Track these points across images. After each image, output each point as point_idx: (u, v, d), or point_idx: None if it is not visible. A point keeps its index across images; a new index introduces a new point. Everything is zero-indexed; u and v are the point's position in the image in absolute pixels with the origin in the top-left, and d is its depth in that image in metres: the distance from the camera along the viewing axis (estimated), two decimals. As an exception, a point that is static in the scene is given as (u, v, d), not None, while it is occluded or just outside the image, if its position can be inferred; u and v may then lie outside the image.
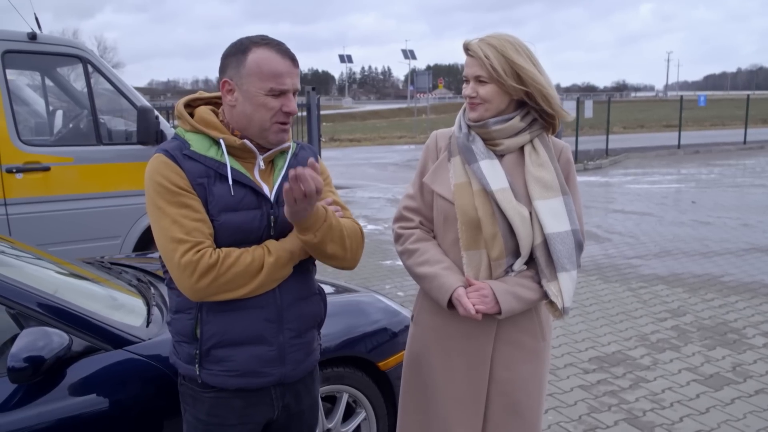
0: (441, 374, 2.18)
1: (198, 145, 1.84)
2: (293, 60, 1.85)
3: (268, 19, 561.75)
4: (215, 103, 1.97)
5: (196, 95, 1.99)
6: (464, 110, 2.18)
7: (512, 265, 2.10)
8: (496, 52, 2.01)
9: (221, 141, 1.84)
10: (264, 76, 1.80)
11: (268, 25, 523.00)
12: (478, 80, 2.05)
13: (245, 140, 1.85)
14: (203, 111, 1.91)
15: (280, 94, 1.82)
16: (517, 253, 2.09)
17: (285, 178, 1.92)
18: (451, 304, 2.05)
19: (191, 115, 1.92)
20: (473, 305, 2.00)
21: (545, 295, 2.08)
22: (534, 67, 2.04)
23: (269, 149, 1.92)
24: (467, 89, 2.09)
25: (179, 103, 1.94)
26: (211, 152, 1.84)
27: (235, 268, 1.77)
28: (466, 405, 2.15)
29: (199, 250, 1.74)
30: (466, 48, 2.08)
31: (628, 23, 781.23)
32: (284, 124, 1.87)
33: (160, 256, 1.91)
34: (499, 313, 2.03)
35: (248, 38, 1.85)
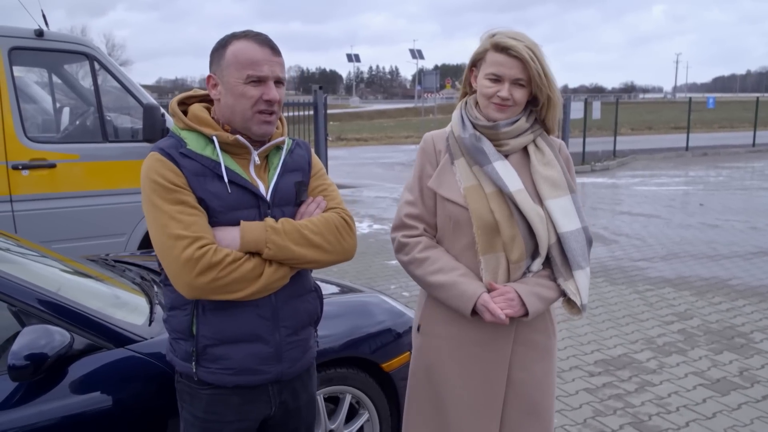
0: (455, 384, 2.12)
1: (194, 143, 1.85)
2: (273, 49, 1.86)
3: (279, 18, 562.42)
4: (210, 100, 1.97)
5: (191, 93, 2.00)
6: (463, 108, 2.14)
7: (530, 266, 2.08)
8: (536, 57, 1.97)
9: (214, 138, 1.85)
10: (240, 64, 1.82)
11: (279, 24, 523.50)
12: (518, 83, 2.00)
13: (238, 136, 1.85)
14: (196, 108, 1.92)
15: (259, 82, 1.83)
16: (534, 254, 2.07)
17: (281, 175, 1.94)
18: (473, 311, 2.01)
19: (185, 112, 1.92)
20: (501, 310, 1.97)
21: (563, 294, 2.07)
22: (552, 75, 2.03)
23: (263, 144, 1.92)
24: (502, 90, 2.00)
25: (173, 101, 1.95)
26: (207, 151, 1.85)
27: (236, 274, 1.77)
28: (482, 413, 2.11)
29: (201, 246, 1.74)
30: (504, 47, 1.98)
31: (640, 24, 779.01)
32: (267, 114, 1.86)
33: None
34: (526, 315, 2.01)
35: (232, 33, 1.89)
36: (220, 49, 1.87)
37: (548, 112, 2.06)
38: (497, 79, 2.01)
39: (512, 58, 1.98)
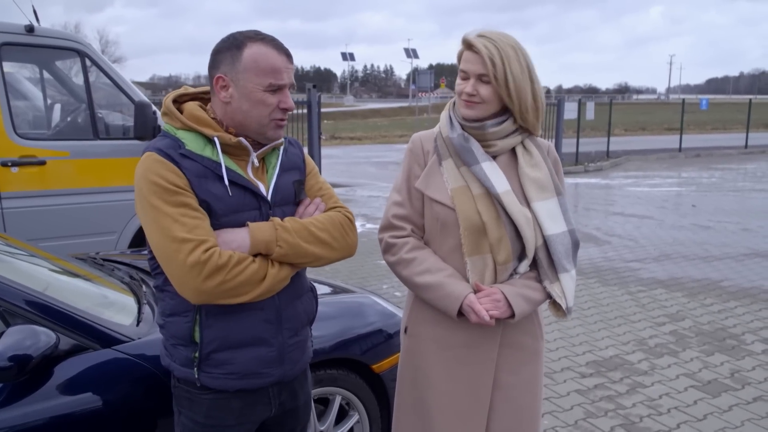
0: (442, 387, 2.11)
1: (193, 144, 1.80)
2: (288, 55, 1.84)
3: (278, 16, 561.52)
4: (201, 98, 1.92)
5: (182, 91, 1.93)
6: (451, 109, 2.12)
7: (517, 268, 2.06)
8: (499, 55, 1.95)
9: (215, 139, 1.80)
10: (261, 71, 1.77)
11: (278, 22, 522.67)
12: (481, 79, 1.99)
13: (241, 138, 1.82)
14: (192, 107, 1.85)
15: (278, 89, 1.80)
16: (521, 256, 2.05)
17: (279, 175, 1.92)
18: (460, 312, 2.00)
19: (179, 111, 1.87)
20: (487, 311, 1.95)
21: (549, 295, 2.06)
22: (527, 77, 1.99)
23: (262, 145, 1.89)
24: (467, 86, 2.01)
25: (167, 99, 1.88)
26: (207, 152, 1.80)
27: (242, 276, 1.73)
28: (469, 416, 2.09)
29: (206, 249, 1.69)
30: (469, 44, 1.99)
31: (637, 26, 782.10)
32: (281, 120, 1.84)
33: (151, 259, 1.85)
34: (512, 316, 1.99)
35: (241, 33, 1.82)
36: (233, 49, 1.79)
37: (518, 114, 2.02)
38: (466, 76, 2.02)
39: (476, 54, 1.98)
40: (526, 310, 2.01)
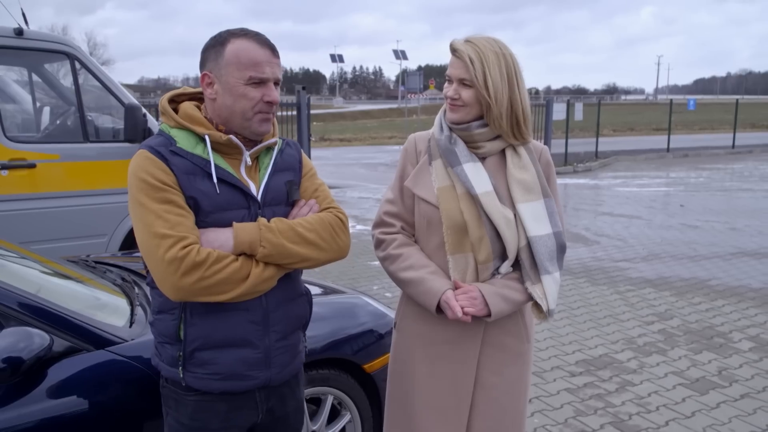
0: (425, 382, 2.14)
1: (184, 142, 1.82)
2: (272, 50, 1.85)
3: (269, 17, 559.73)
4: (200, 98, 1.94)
5: (180, 90, 1.96)
6: (444, 111, 2.15)
7: (499, 267, 2.09)
8: (479, 59, 1.98)
9: (206, 137, 1.82)
10: (242, 65, 1.79)
11: (270, 24, 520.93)
12: (462, 83, 2.03)
13: (231, 136, 1.83)
14: (187, 106, 1.88)
15: (260, 83, 1.81)
16: (503, 256, 2.07)
17: (272, 175, 1.92)
18: (439, 308, 2.03)
19: (176, 110, 1.89)
20: (462, 308, 1.97)
21: (530, 297, 2.08)
22: (506, 83, 2.00)
23: (255, 144, 1.90)
24: (449, 90, 2.06)
25: (163, 99, 1.91)
26: (198, 149, 1.82)
27: (221, 274, 1.73)
28: (449, 414, 2.12)
29: (185, 246, 1.70)
30: (453, 48, 2.05)
31: (628, 26, 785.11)
32: (266, 113, 1.85)
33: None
34: (489, 315, 2.01)
35: (227, 30, 1.85)
36: (217, 46, 1.82)
37: (491, 119, 2.04)
38: (450, 80, 2.07)
39: (456, 58, 2.03)
40: (503, 309, 2.03)
